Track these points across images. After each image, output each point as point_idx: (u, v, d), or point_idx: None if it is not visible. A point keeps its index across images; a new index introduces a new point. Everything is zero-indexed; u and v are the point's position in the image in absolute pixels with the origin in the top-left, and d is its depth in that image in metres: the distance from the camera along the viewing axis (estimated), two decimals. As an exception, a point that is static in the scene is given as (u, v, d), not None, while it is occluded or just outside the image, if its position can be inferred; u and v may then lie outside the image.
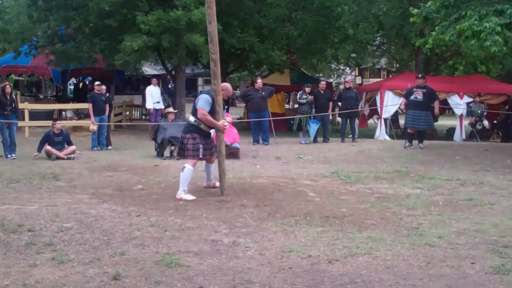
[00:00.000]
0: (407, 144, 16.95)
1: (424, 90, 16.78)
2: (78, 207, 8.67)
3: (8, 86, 15.01)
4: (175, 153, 14.40)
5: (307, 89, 18.64)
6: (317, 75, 38.31)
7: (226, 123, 9.91)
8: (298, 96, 19.27)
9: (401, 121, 22.36)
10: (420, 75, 17.94)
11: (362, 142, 18.83)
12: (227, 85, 10.38)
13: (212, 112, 9.48)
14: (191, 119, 9.75)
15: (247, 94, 19.07)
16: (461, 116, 21.80)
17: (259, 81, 18.89)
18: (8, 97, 14.77)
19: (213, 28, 9.43)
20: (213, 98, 9.50)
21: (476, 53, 24.13)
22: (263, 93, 18.27)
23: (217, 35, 9.58)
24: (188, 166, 9.45)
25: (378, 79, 42.82)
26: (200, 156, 9.61)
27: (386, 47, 31.21)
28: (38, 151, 14.84)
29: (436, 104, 17.19)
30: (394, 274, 5.81)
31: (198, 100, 9.55)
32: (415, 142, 17.06)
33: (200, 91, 10.69)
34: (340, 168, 12.94)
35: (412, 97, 16.89)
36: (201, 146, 9.57)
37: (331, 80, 41.61)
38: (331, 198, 9.52)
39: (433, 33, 15.34)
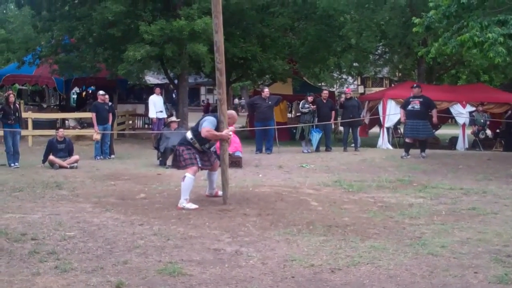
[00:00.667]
0: (404, 154, 16.93)
1: (421, 99, 16.82)
2: (81, 216, 8.68)
3: (11, 95, 15.08)
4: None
5: (310, 98, 18.67)
6: (320, 84, 38.36)
7: (231, 132, 9.93)
8: (300, 106, 19.31)
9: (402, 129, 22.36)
10: (415, 85, 18.00)
11: (364, 151, 18.84)
12: (233, 113, 10.41)
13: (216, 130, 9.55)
14: (188, 135, 9.78)
15: (253, 103, 19.13)
16: (463, 125, 21.80)
17: (266, 90, 18.96)
18: (11, 106, 14.83)
19: (219, 37, 9.45)
20: (218, 121, 9.54)
21: (479, 62, 24.17)
22: (270, 102, 18.34)
23: (223, 44, 9.60)
24: (188, 175, 9.45)
25: (380, 88, 42.86)
26: (199, 165, 9.63)
27: (389, 56, 31.25)
28: (43, 162, 14.86)
29: (434, 113, 17.21)
30: (397, 283, 5.80)
31: (203, 122, 9.57)
32: (413, 151, 17.04)
33: (205, 114, 10.74)
34: (342, 177, 12.94)
35: (409, 107, 16.94)
36: (197, 156, 9.61)
37: (333, 89, 41.66)
38: (333, 207, 9.52)
39: (436, 44, 15.36)
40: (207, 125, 9.47)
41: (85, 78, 26.67)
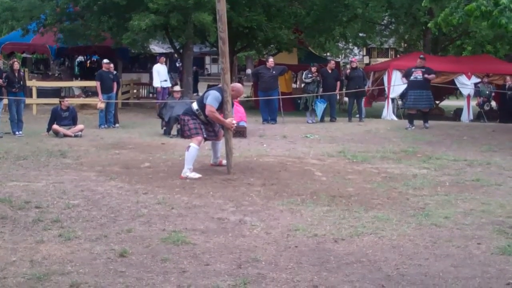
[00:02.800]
0: (409, 125, 16.94)
1: (423, 70, 16.84)
2: (85, 184, 8.70)
3: (16, 63, 15.03)
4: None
5: (313, 69, 18.62)
6: (325, 54, 38.14)
7: (234, 121, 9.89)
8: (303, 76, 19.27)
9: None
10: (422, 56, 17.92)
11: (369, 121, 18.82)
12: (238, 86, 10.37)
13: (220, 109, 9.53)
14: (194, 106, 9.78)
15: (258, 72, 19.16)
16: (468, 96, 21.72)
17: (271, 60, 18.95)
18: (16, 74, 14.79)
19: (222, 6, 9.42)
20: (222, 95, 9.50)
21: (485, 32, 23.98)
22: (274, 72, 18.31)
23: (225, 13, 9.56)
24: (193, 145, 9.45)
25: (386, 59, 42.62)
26: (204, 135, 9.63)
27: (395, 26, 31.07)
28: (47, 131, 14.87)
29: (431, 77, 17.02)
30: (400, 253, 5.82)
31: (208, 96, 9.55)
32: (416, 123, 17.05)
33: (209, 87, 10.71)
34: (347, 147, 12.93)
35: (412, 77, 16.95)
36: (203, 126, 9.60)
37: (339, 59, 41.46)
38: (337, 178, 9.52)
39: (442, 14, 15.21)
40: (211, 102, 9.44)
41: (81, 47, 26.36)
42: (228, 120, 9.52)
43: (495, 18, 13.45)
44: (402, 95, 20.48)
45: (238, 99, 12.72)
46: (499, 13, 13.31)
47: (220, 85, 9.89)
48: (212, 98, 9.47)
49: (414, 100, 17.02)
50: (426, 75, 16.74)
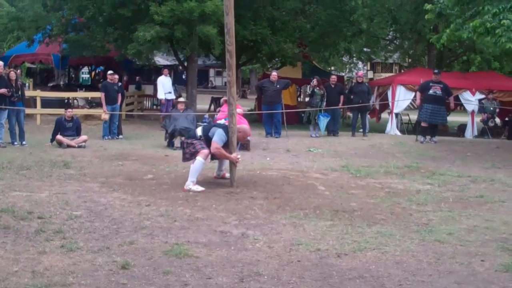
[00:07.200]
0: (423, 138, 17.04)
1: (441, 85, 17.13)
2: (88, 196, 8.69)
3: (12, 73, 14.90)
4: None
5: (315, 81, 18.64)
6: (329, 68, 38.20)
7: (239, 155, 9.89)
8: (307, 90, 19.41)
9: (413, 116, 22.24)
10: (437, 71, 18.05)
11: (372, 136, 18.78)
12: (245, 127, 10.41)
13: (225, 146, 9.59)
14: (198, 132, 9.85)
15: (262, 85, 19.10)
16: (472, 112, 21.69)
17: (274, 73, 18.94)
18: (13, 84, 14.68)
19: (230, 19, 9.43)
20: (228, 135, 9.55)
21: (492, 49, 24.01)
22: (278, 85, 18.29)
23: (233, 26, 9.57)
24: (199, 158, 9.44)
25: (390, 74, 42.67)
26: (211, 151, 9.64)
27: (399, 41, 31.13)
28: (51, 141, 14.85)
29: (451, 99, 17.62)
30: (403, 269, 5.80)
31: (215, 132, 9.57)
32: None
33: (215, 123, 10.85)
34: (350, 162, 12.92)
35: (431, 91, 17.11)
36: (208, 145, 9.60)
37: (343, 74, 41.51)
38: (340, 192, 9.51)
39: (447, 30, 15.24)
40: (217, 140, 9.46)
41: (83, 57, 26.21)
42: (233, 155, 9.56)
43: (498, 37, 13.50)
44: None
45: (241, 111, 12.73)
46: (501, 32, 13.34)
47: (226, 123, 9.89)
48: (218, 137, 9.48)
49: (431, 114, 17.13)
50: (448, 99, 17.59)
